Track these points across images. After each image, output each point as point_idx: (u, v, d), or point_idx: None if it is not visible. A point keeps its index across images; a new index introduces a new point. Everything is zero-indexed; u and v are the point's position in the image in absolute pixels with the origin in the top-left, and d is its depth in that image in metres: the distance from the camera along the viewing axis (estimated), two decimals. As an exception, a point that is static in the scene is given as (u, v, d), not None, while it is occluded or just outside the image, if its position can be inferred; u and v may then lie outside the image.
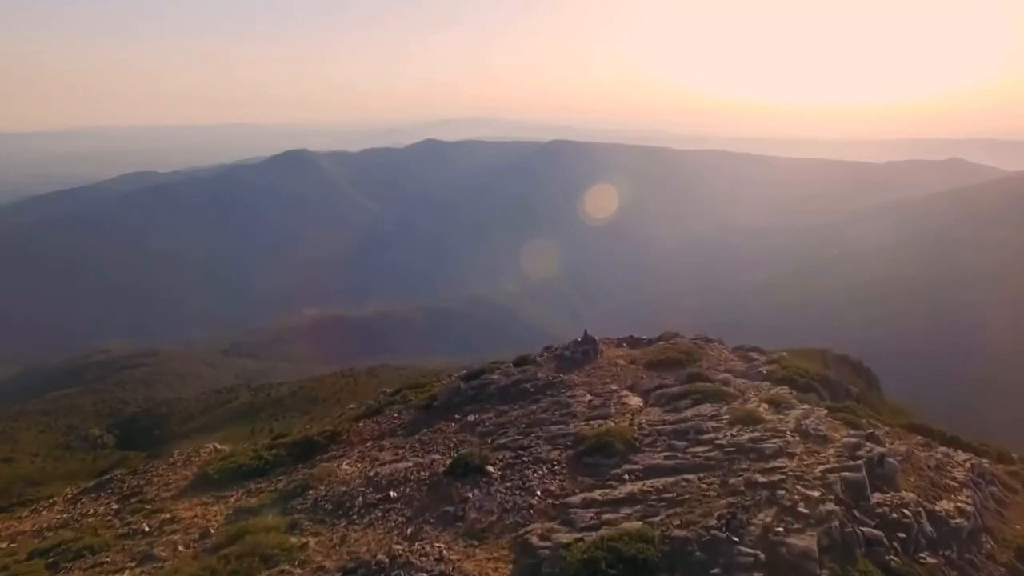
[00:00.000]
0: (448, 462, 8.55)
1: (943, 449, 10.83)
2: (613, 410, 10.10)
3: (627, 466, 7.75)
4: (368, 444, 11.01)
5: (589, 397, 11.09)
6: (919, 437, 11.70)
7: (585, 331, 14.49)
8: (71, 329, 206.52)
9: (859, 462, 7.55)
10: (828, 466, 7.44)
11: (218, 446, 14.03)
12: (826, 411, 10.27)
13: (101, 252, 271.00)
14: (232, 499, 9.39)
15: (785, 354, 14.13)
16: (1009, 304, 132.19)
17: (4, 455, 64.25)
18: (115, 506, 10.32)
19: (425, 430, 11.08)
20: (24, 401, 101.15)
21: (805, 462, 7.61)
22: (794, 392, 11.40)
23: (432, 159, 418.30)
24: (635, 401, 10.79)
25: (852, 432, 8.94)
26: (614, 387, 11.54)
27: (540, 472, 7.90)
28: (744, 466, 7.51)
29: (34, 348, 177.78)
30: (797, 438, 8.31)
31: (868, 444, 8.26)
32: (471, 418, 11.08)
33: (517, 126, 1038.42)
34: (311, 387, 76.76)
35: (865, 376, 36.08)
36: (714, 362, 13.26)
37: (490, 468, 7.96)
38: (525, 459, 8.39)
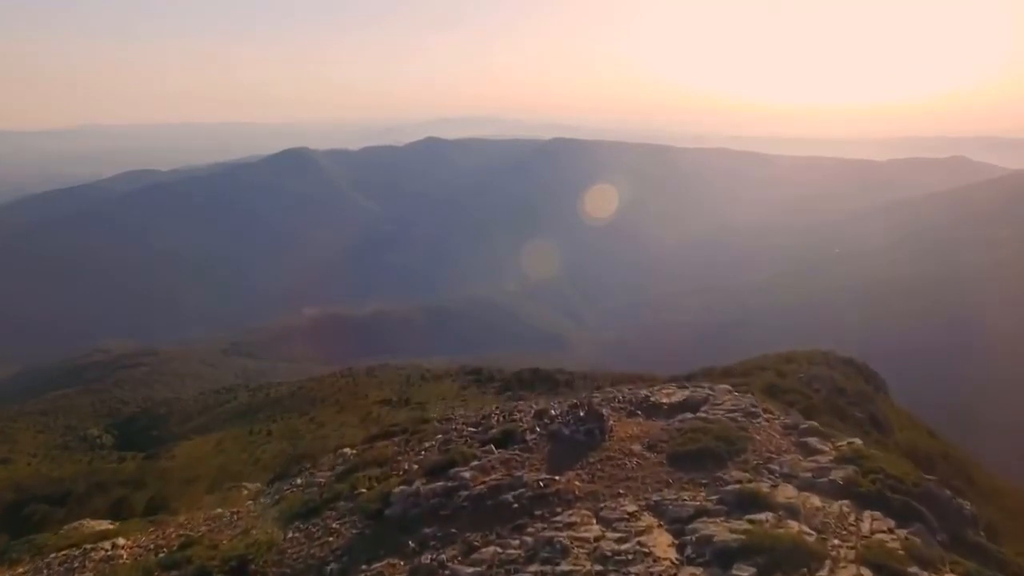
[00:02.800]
0: None
1: None
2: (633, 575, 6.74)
3: None
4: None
5: (595, 530, 7.80)
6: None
7: (589, 403, 11.19)
8: (70, 328, 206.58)
9: None
10: None
11: (120, 543, 11.57)
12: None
13: (100, 251, 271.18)
14: None
15: (858, 441, 10.47)
16: (1010, 304, 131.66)
17: (2, 456, 63.96)
18: None
19: (363, 569, 8.13)
20: (23, 401, 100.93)
21: None
22: (895, 529, 8.01)
23: (432, 158, 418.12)
24: (663, 547, 7.27)
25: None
26: (631, 508, 8.11)
27: None
28: None
29: (33, 347, 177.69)
30: None
31: None
32: (426, 559, 7.86)
33: (518, 125, 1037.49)
34: (310, 387, 76.19)
35: (872, 380, 35.31)
36: (763, 454, 9.77)
37: None
38: None
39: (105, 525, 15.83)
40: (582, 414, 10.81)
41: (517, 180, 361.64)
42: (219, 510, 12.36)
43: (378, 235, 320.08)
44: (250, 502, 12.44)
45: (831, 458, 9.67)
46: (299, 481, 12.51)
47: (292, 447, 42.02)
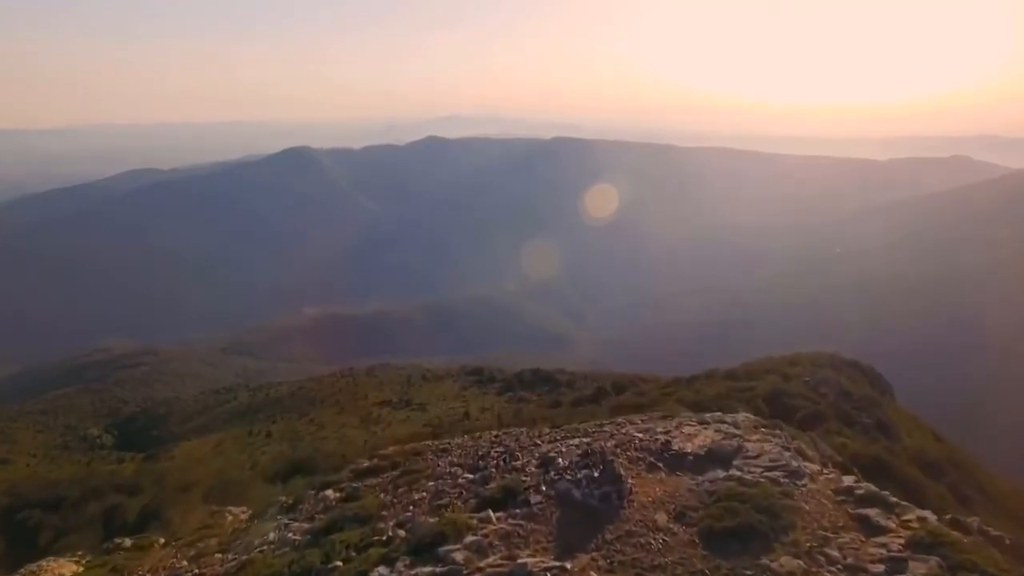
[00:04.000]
0: None
1: None
2: None
3: None
4: None
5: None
6: None
7: (603, 456, 9.49)
8: (70, 328, 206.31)
9: None
10: None
11: None
12: None
13: (101, 250, 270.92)
14: None
15: (931, 517, 8.45)
16: (1010, 304, 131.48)
17: (1, 456, 63.89)
18: None
19: None
20: (23, 401, 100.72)
21: None
22: None
23: (433, 157, 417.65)
24: None
25: None
26: None
27: None
28: None
29: (33, 347, 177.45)
30: None
31: None
32: None
33: (519, 124, 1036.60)
34: (311, 387, 75.96)
35: (877, 384, 34.50)
36: (815, 532, 7.96)
37: None
38: None
39: (69, 567, 15.48)
40: (596, 474, 9.14)
41: (518, 179, 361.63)
42: (184, 563, 11.59)
43: (378, 235, 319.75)
44: (219, 554, 11.32)
45: (902, 541, 7.77)
46: (272, 536, 11.08)
47: (291, 449, 41.93)
